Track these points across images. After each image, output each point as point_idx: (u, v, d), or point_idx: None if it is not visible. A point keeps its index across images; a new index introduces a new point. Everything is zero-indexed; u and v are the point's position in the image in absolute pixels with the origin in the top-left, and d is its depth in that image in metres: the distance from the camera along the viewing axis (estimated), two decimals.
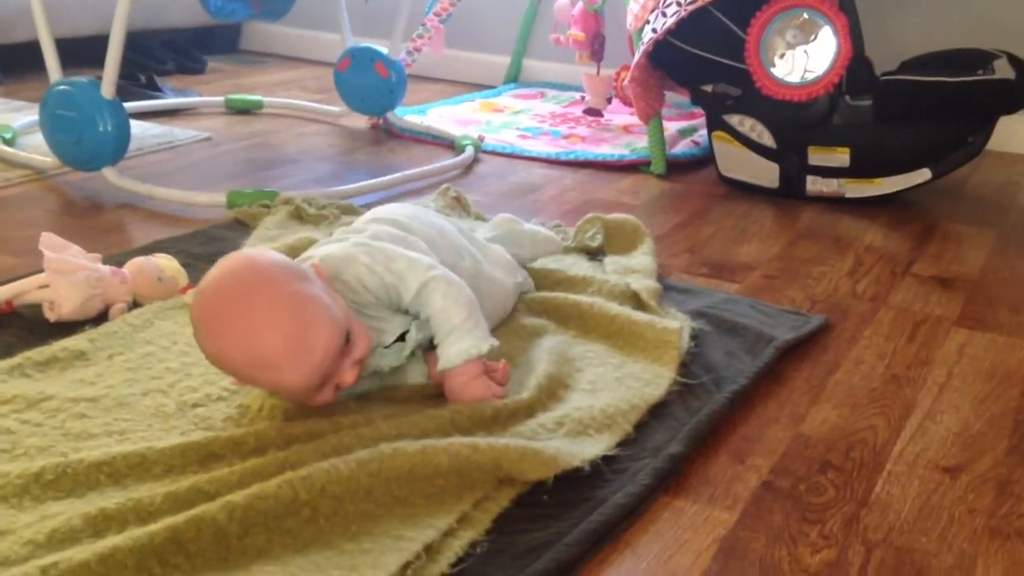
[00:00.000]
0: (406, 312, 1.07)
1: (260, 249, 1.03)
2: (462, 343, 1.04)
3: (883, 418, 1.14)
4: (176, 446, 0.93)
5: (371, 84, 2.31)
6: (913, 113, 1.88)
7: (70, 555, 0.76)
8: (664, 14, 1.93)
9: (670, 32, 1.93)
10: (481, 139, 2.26)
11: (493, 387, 1.05)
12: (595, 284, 1.35)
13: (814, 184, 1.95)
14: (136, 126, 1.97)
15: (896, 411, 1.15)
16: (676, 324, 1.21)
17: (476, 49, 3.01)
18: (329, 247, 1.09)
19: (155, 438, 0.96)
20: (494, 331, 1.17)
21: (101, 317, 1.23)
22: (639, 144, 2.27)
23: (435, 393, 1.08)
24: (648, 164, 2.14)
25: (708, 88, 2.01)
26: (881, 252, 1.70)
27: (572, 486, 0.92)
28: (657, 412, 1.08)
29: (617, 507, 0.90)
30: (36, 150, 1.91)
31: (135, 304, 1.27)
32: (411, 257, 1.06)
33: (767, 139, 1.95)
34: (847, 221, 1.86)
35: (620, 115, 2.54)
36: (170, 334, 1.19)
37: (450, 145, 2.23)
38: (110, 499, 0.85)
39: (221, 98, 2.51)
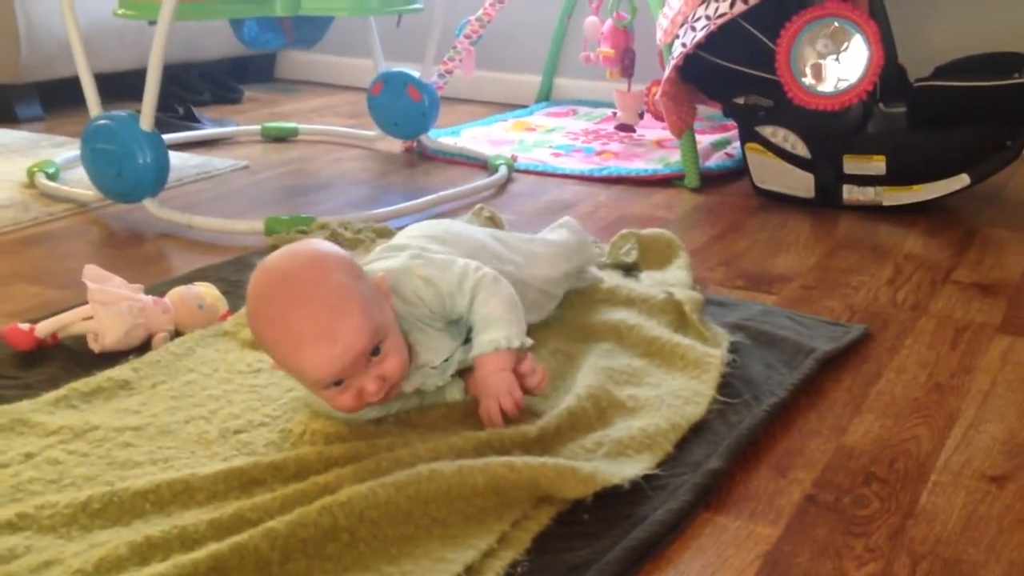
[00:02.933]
0: (457, 326, 1.09)
1: (329, 243, 1.05)
2: (496, 333, 1.05)
3: (927, 428, 1.12)
4: (219, 472, 0.94)
5: (404, 108, 2.34)
6: (949, 118, 1.86)
7: None
8: (693, 28, 1.93)
9: (700, 46, 1.93)
10: (514, 158, 2.26)
11: (515, 387, 1.05)
12: (636, 301, 1.34)
13: (850, 193, 1.94)
14: (175, 157, 2.01)
15: (940, 420, 1.14)
16: (718, 351, 1.20)
17: (507, 69, 3.03)
18: (384, 262, 1.11)
19: (198, 465, 0.98)
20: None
21: (144, 347, 1.25)
22: (672, 158, 2.27)
23: (472, 412, 1.08)
24: (682, 178, 2.13)
25: (740, 100, 2.00)
26: (920, 260, 1.68)
27: (612, 504, 0.92)
28: (696, 427, 1.07)
29: (658, 524, 0.90)
30: (78, 184, 1.95)
31: (177, 333, 1.29)
32: (462, 263, 1.09)
33: (801, 149, 1.94)
34: (885, 229, 1.85)
35: (653, 130, 2.54)
36: (211, 361, 1.21)
37: (483, 165, 2.24)
38: (155, 527, 0.86)
39: (258, 127, 2.55)
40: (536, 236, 1.37)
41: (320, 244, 1.04)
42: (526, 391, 1.07)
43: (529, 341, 1.08)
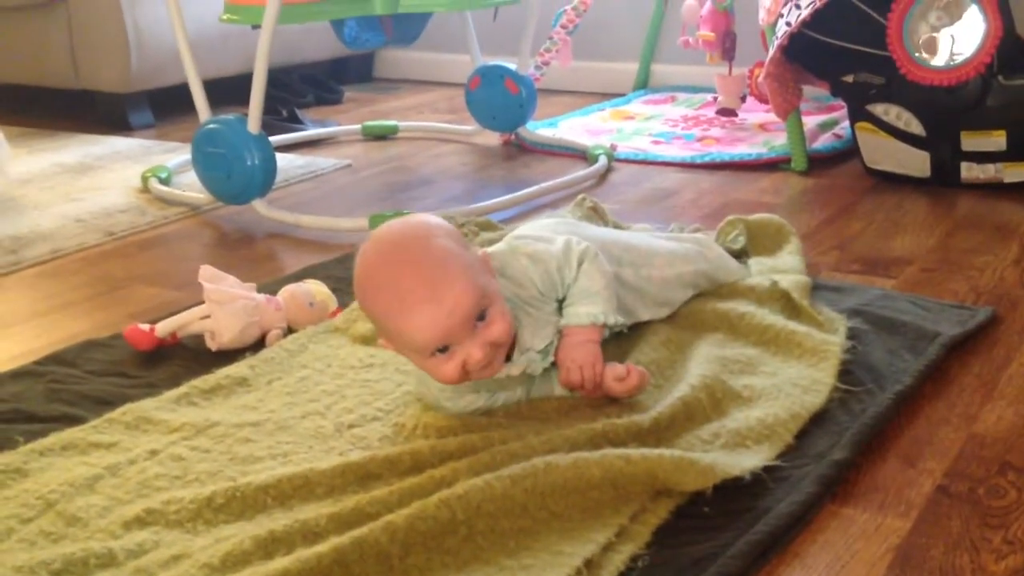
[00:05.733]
0: (561, 309, 1.09)
1: (433, 216, 1.07)
2: (593, 307, 1.07)
3: None
4: (336, 467, 0.95)
5: (502, 101, 2.33)
6: None
7: None
8: (798, 6, 1.87)
9: (805, 24, 1.88)
10: (613, 148, 2.24)
11: (599, 361, 1.05)
12: (743, 291, 1.30)
13: (969, 171, 1.86)
14: (281, 158, 2.04)
15: None
16: (836, 338, 1.16)
17: (603, 58, 3.00)
18: (489, 248, 1.13)
19: (316, 459, 0.99)
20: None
21: (259, 344, 1.27)
22: (777, 142, 2.21)
23: (582, 404, 1.07)
24: (788, 161, 2.08)
25: (849, 78, 1.94)
26: None
27: (733, 496, 0.90)
28: (816, 417, 1.03)
29: (782, 516, 0.87)
30: (190, 187, 2.00)
31: (289, 330, 1.31)
32: (563, 238, 1.11)
33: (915, 127, 1.87)
34: (1008, 207, 1.76)
35: (755, 114, 2.49)
36: (324, 357, 1.23)
37: (583, 156, 2.23)
38: (278, 521, 0.87)
39: (358, 126, 2.58)
40: (662, 234, 1.36)
41: (425, 215, 1.06)
42: (613, 395, 1.06)
43: (623, 320, 1.11)
